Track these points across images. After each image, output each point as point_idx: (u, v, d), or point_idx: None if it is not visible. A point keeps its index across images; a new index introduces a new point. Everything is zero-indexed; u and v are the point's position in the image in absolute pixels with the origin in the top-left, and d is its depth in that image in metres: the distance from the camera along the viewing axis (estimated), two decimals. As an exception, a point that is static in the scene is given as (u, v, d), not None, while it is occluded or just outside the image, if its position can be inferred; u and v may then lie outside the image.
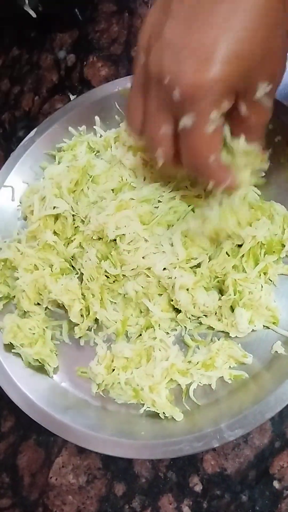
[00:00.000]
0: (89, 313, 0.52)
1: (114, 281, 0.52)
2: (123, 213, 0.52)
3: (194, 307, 0.49)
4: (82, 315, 0.52)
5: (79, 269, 0.54)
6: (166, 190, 0.54)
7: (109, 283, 0.52)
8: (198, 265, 0.50)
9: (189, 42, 0.35)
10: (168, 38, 0.36)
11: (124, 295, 0.52)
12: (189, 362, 0.49)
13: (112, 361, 0.50)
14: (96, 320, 0.52)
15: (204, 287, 0.49)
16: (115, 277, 0.52)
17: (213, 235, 0.49)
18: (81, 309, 0.52)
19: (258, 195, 0.53)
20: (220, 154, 0.41)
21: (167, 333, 0.50)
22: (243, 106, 0.39)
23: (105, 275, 0.52)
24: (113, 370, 0.50)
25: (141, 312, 0.51)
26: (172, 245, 0.50)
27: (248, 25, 0.34)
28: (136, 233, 0.51)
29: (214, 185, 0.42)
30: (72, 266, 0.55)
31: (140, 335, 0.51)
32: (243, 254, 0.49)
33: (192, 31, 0.35)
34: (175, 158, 0.42)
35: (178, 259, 0.49)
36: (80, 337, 0.53)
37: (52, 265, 0.54)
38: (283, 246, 0.50)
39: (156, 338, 0.50)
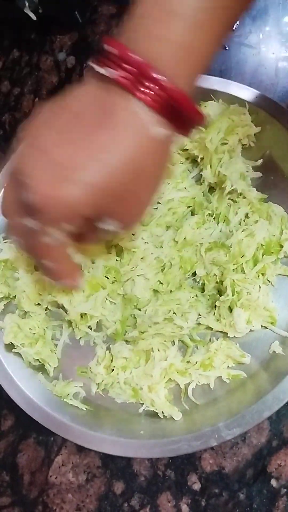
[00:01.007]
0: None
1: (113, 282, 0.53)
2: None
3: None
4: (81, 316, 0.52)
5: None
6: (165, 192, 0.54)
7: (109, 283, 0.53)
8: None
9: (55, 155, 0.34)
10: (38, 141, 0.35)
11: (124, 295, 0.52)
12: (188, 362, 0.49)
13: (112, 361, 0.50)
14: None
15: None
16: (115, 277, 0.52)
17: None
18: None
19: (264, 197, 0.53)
20: (60, 258, 0.41)
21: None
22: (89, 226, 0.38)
23: (105, 276, 0.52)
24: (113, 370, 0.50)
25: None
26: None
27: (119, 163, 0.34)
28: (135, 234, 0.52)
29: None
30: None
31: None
32: (243, 255, 0.50)
33: (62, 145, 0.34)
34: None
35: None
36: (80, 338, 0.53)
37: None
38: (281, 247, 0.50)
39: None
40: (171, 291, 0.51)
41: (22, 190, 0.35)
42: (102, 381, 0.50)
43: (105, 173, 0.34)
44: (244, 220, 0.52)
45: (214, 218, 0.53)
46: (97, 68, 0.34)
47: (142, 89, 0.33)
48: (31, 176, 0.35)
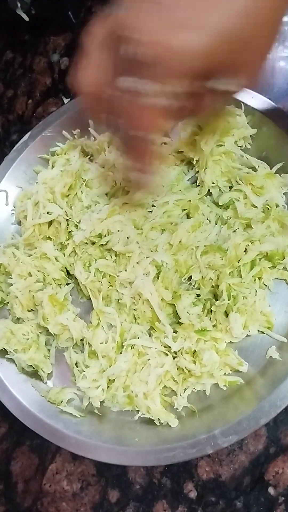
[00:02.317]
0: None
1: (108, 287, 0.52)
2: (115, 218, 0.52)
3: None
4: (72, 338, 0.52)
5: (73, 274, 0.54)
6: (160, 194, 0.54)
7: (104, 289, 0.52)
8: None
9: (168, 2, 0.32)
10: None
11: (118, 300, 0.52)
12: (183, 369, 0.48)
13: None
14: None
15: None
16: (110, 282, 0.51)
17: None
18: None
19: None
20: (155, 137, 0.38)
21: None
22: (203, 88, 0.35)
23: (99, 282, 0.52)
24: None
25: (135, 318, 0.51)
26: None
27: (238, 10, 0.31)
28: (130, 238, 0.52)
29: (133, 169, 0.40)
30: (68, 271, 0.55)
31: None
32: (240, 259, 0.49)
33: None
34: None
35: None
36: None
37: (48, 275, 0.54)
38: (284, 258, 0.49)
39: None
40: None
41: (128, 46, 0.32)
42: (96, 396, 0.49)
43: (224, 18, 0.31)
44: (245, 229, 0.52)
45: (216, 222, 0.53)
46: None
47: None
48: (141, 26, 0.32)
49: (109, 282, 0.52)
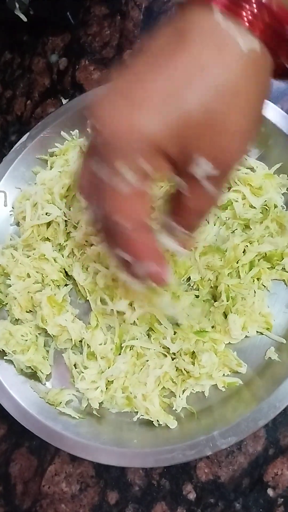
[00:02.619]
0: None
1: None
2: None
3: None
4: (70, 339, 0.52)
5: (72, 275, 0.54)
6: (158, 195, 0.53)
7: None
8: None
9: (129, 92, 0.30)
10: (115, 85, 0.31)
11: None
12: (182, 371, 0.48)
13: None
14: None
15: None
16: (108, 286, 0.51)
17: None
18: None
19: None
20: (144, 227, 0.32)
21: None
22: (182, 182, 0.32)
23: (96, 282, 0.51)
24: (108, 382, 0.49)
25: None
26: None
27: (203, 88, 0.28)
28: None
29: (133, 262, 0.33)
30: (66, 273, 0.55)
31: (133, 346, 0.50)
32: (238, 260, 0.49)
33: (138, 82, 0.30)
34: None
35: None
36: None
37: (47, 276, 0.53)
38: (282, 258, 0.49)
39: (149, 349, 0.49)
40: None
41: (94, 132, 0.30)
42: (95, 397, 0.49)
43: (188, 101, 0.28)
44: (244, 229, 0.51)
45: (214, 223, 0.52)
46: None
47: (234, 8, 0.28)
48: (100, 112, 0.30)
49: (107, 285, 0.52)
